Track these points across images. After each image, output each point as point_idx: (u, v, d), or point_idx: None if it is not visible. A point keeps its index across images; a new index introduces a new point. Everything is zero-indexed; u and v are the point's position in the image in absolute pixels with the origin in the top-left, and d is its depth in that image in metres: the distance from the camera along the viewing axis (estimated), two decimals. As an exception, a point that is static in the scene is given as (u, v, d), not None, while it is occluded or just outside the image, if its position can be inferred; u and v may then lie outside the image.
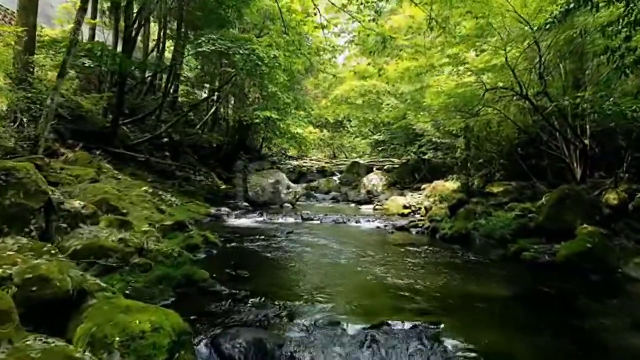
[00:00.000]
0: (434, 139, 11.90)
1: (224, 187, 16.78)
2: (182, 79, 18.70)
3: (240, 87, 16.55)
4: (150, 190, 10.13)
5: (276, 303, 4.29)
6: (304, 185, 19.03)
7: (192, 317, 3.86)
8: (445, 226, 8.77)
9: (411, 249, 7.40)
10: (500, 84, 8.91)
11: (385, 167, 20.61)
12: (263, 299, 4.38)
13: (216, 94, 17.95)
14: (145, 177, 12.01)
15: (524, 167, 10.47)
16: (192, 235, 6.50)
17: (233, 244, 7.28)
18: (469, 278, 5.41)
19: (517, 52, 7.16)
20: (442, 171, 14.05)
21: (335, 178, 19.67)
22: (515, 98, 8.58)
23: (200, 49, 10.40)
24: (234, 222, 10.22)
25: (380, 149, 18.12)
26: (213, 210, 11.11)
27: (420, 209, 11.13)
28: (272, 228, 9.47)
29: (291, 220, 10.58)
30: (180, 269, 4.73)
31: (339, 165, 26.17)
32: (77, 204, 5.14)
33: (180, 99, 19.70)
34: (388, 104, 13.69)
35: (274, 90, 12.49)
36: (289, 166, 24.31)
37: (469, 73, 8.16)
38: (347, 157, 29.15)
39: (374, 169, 20.19)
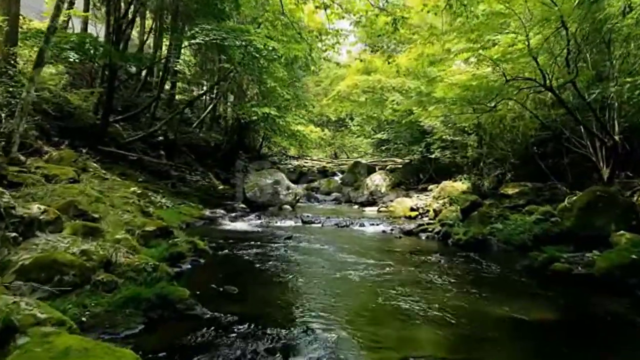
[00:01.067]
0: (443, 137, 11.01)
1: (221, 187, 15.96)
2: (180, 75, 17.88)
3: (239, 84, 15.69)
4: (139, 191, 9.29)
5: (268, 331, 3.43)
6: (305, 185, 18.18)
7: (160, 354, 3.01)
8: (459, 231, 7.91)
9: (423, 257, 6.54)
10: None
11: (388, 167, 19.76)
12: (252, 326, 3.53)
13: (214, 90, 17.12)
14: (135, 177, 11.17)
15: (540, 167, 9.61)
16: (177, 243, 5.64)
17: (224, 252, 6.43)
18: (497, 296, 4.54)
19: (544, 35, 6.26)
20: (449, 171, 13.19)
21: (336, 178, 18.81)
22: (532, 91, 7.71)
23: (194, 40, 9.53)
24: (229, 225, 9.37)
25: (383, 148, 17.20)
26: (207, 212, 10.26)
27: (428, 211, 10.25)
28: (269, 232, 8.62)
29: (290, 223, 9.73)
30: (154, 286, 3.87)
31: (340, 165, 25.28)
32: (36, 207, 4.28)
33: (178, 97, 18.89)
34: (393, 100, 12.77)
35: (273, 85, 11.63)
36: (289, 166, 23.47)
37: (486, 63, 7.28)
38: (348, 157, 28.26)
39: (377, 169, 19.36)
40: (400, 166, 19.21)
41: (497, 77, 7.08)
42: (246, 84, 15.60)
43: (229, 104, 16.66)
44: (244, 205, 11.60)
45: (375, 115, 13.93)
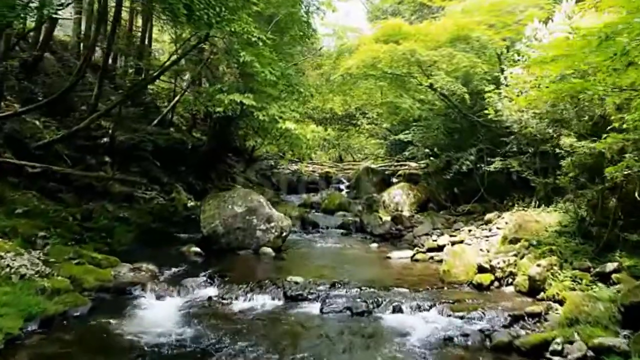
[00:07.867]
0: (530, 131, 5.96)
1: (191, 204, 11.04)
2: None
3: (213, 69, 10.79)
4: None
5: None
6: (303, 197, 13.37)
7: None
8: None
9: None
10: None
11: (399, 172, 14.90)
12: None
13: (184, 76, 12.26)
14: (17, 203, 6.24)
15: None
16: None
17: None
18: None
19: None
20: (505, 189, 8.28)
21: (342, 190, 13.91)
22: None
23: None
24: (139, 313, 4.48)
25: (407, 153, 12.18)
26: (124, 271, 5.39)
27: (512, 275, 5.26)
28: (210, 338, 3.75)
29: (264, 300, 4.85)
30: None
31: (345, 170, 20.51)
32: None
33: (154, 89, 13.95)
34: (433, 83, 7.60)
35: (248, 60, 6.71)
36: (287, 171, 18.77)
37: None
38: (354, 160, 23.33)
39: (387, 175, 14.49)
40: (416, 171, 14.25)
41: None
42: (223, 68, 10.66)
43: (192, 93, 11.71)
44: (198, 249, 6.66)
45: (404, 106, 8.78)
